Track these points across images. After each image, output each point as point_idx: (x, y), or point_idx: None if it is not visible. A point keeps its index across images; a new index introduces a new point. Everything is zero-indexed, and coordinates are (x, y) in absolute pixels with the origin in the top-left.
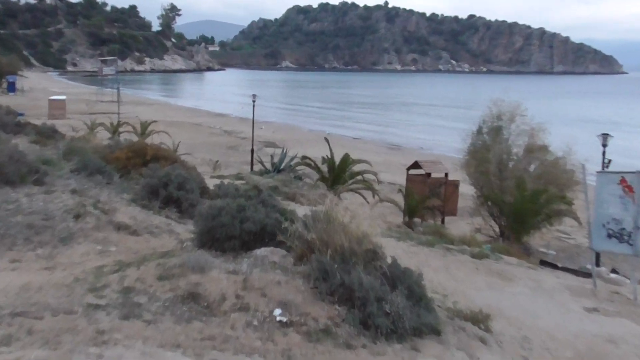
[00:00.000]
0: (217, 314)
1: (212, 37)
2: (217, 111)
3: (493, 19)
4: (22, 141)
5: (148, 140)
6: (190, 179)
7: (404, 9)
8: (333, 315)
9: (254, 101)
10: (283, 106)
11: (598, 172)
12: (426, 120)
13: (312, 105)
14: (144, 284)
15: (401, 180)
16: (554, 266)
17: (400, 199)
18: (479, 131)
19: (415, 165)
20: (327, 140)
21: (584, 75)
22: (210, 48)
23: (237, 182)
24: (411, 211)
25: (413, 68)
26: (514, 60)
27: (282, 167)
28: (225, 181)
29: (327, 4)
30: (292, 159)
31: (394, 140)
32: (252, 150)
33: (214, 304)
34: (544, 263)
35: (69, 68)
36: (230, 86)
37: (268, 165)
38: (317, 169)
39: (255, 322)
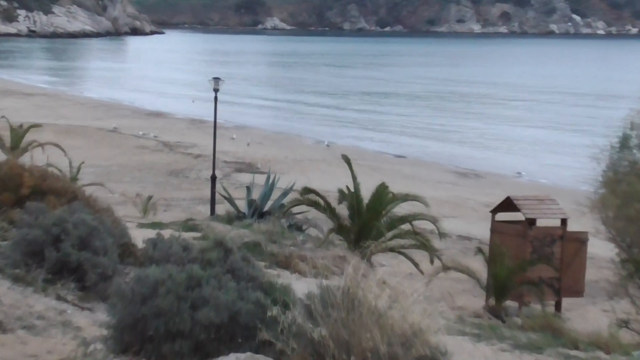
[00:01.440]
0: None
1: None
2: (149, 108)
3: None
4: None
5: (24, 160)
6: (102, 229)
7: None
8: None
9: (216, 90)
10: (269, 101)
11: None
12: (525, 128)
13: (320, 101)
14: None
15: (481, 231)
16: None
17: (480, 266)
18: (624, 144)
19: (508, 204)
20: (346, 160)
21: None
22: None
23: (187, 236)
24: (500, 288)
25: (503, 30)
26: None
27: (267, 208)
28: (166, 233)
29: None
30: (285, 193)
31: (466, 161)
32: (214, 179)
33: None
34: None
35: None
36: (174, 63)
37: (242, 205)
38: (329, 211)
39: None
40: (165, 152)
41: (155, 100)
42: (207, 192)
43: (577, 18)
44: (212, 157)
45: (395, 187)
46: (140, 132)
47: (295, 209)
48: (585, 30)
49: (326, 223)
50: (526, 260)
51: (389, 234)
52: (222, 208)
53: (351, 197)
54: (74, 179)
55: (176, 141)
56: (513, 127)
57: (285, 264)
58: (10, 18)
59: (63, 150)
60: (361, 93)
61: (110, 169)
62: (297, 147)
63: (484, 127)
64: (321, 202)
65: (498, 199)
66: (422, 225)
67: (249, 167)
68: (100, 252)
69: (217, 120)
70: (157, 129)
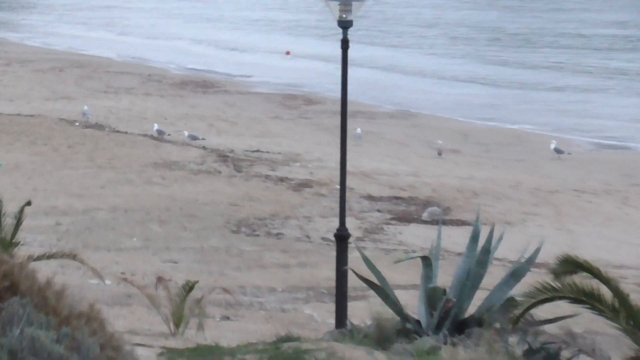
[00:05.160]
0: None
1: None
2: (181, 69)
3: None
4: None
5: None
6: None
7: None
8: None
9: (345, 27)
10: (469, 61)
11: None
12: None
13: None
14: None
15: None
16: None
17: None
18: None
19: None
20: None
21: None
22: None
23: None
24: None
25: None
26: None
27: (473, 309)
28: None
29: None
30: (516, 272)
31: None
32: (343, 239)
33: None
34: None
35: None
36: None
37: (413, 303)
38: (628, 314)
39: None
40: (224, 175)
41: (194, 53)
42: (325, 272)
43: None
44: (337, 187)
45: None
46: (157, 126)
47: (542, 311)
48: None
49: (619, 344)
50: None
51: None
52: (362, 308)
53: None
54: (9, 243)
55: (248, 149)
56: None
57: None
58: None
59: None
60: None
61: (93, 218)
62: (542, 159)
63: None
64: (606, 293)
65: None
66: None
67: (429, 207)
68: None
69: (350, 97)
70: (200, 120)
